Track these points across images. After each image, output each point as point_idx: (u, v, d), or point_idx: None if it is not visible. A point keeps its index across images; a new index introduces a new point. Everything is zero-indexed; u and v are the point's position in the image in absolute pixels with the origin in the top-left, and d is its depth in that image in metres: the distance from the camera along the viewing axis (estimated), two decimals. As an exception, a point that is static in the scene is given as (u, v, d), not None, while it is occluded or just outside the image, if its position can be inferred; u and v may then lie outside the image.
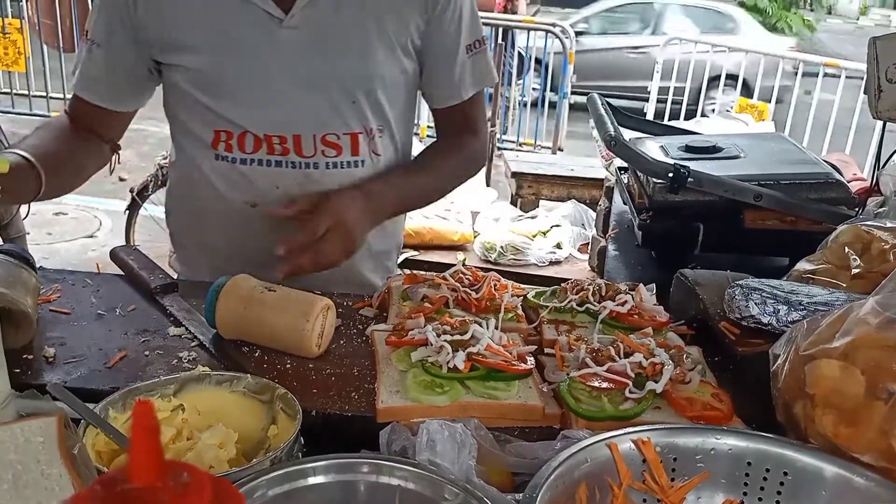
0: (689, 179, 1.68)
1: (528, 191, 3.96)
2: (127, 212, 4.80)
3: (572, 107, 7.40)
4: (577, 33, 9.01)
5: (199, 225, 1.71)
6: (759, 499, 0.95)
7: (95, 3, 1.60)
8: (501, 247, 3.37)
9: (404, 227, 1.97)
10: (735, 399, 1.15)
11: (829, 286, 1.34)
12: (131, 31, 1.54)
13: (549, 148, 7.40)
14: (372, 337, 1.29)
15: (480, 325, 1.20)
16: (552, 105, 7.54)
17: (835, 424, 0.95)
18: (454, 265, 1.48)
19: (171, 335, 1.32)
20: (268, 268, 1.42)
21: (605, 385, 1.12)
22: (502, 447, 1.02)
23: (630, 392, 1.11)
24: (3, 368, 0.95)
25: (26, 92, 7.25)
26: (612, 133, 1.78)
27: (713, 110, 7.91)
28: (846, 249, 1.38)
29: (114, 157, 1.73)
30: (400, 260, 3.62)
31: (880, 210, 1.42)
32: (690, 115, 7.19)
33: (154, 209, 5.15)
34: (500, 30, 7.40)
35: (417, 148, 1.80)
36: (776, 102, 6.64)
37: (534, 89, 7.91)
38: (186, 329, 1.33)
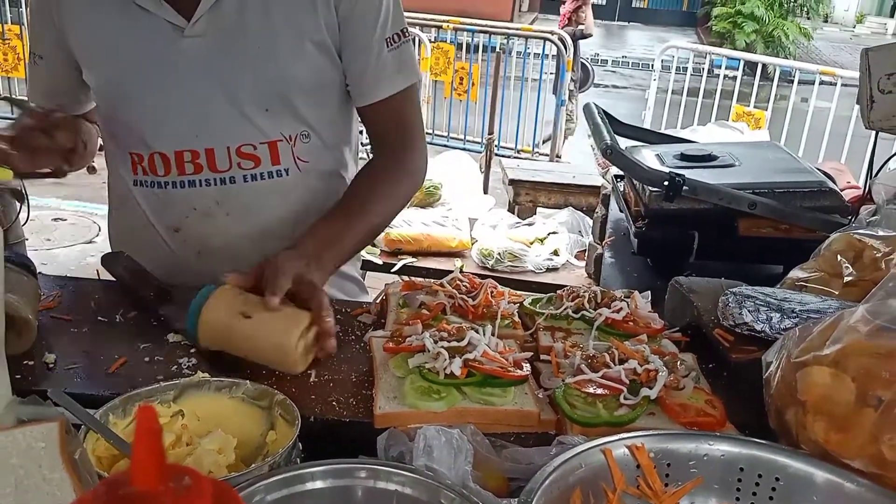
0: (685, 188, 1.69)
1: (526, 198, 3.98)
2: (125, 218, 4.80)
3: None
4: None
5: (133, 250, 1.58)
6: (752, 504, 0.96)
7: (30, 17, 1.60)
8: (499, 254, 3.38)
9: None
10: (729, 405, 1.16)
11: (822, 294, 1.36)
12: (61, 45, 1.51)
13: (546, 155, 7.42)
14: (370, 343, 1.31)
15: (477, 331, 1.21)
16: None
17: (826, 431, 0.96)
18: (452, 272, 1.49)
19: (171, 342, 1.33)
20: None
21: (600, 391, 1.14)
22: (498, 453, 1.03)
23: (625, 398, 1.12)
24: (5, 374, 0.97)
25: (25, 98, 7.25)
26: (609, 142, 1.80)
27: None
28: (838, 258, 1.39)
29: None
30: (398, 266, 3.65)
31: (873, 218, 1.44)
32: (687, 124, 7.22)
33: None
34: (561, 41, 7.40)
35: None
36: (772, 110, 6.67)
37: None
38: (184, 336, 1.34)
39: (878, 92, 1.34)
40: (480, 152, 6.24)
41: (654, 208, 1.79)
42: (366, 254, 3.55)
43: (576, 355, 1.21)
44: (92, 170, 7.43)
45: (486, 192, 4.88)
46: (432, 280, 1.47)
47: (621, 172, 2.21)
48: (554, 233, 3.38)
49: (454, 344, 1.17)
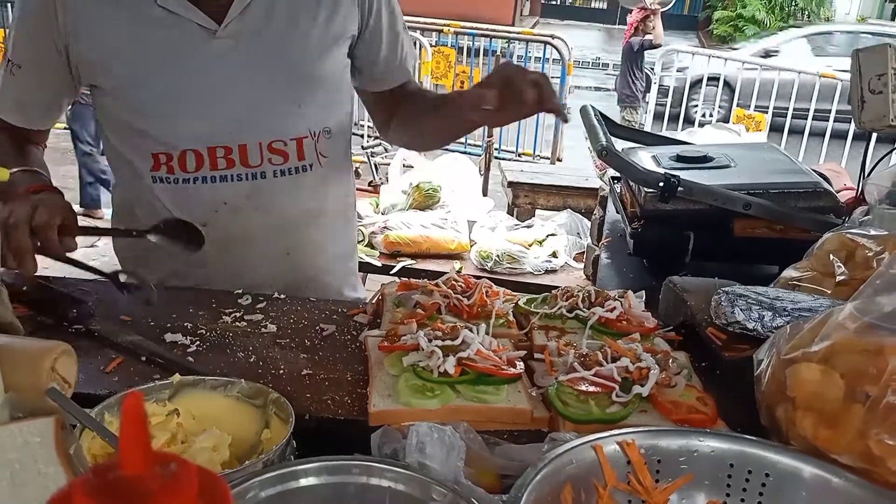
0: (680, 189, 1.70)
1: (525, 200, 4.00)
2: (126, 222, 4.82)
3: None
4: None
5: (148, 250, 1.55)
6: (742, 500, 0.97)
7: (14, 24, 1.54)
8: (498, 255, 3.39)
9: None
10: (721, 403, 1.17)
11: (815, 293, 1.37)
12: (61, 54, 1.49)
13: (548, 158, 7.43)
14: (365, 343, 1.32)
15: (471, 330, 1.22)
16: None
17: (815, 427, 0.97)
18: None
19: (168, 341, 1.34)
20: (220, 286, 1.50)
21: (592, 389, 1.14)
22: (491, 450, 1.04)
23: (617, 396, 1.13)
24: None
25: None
26: (604, 143, 1.81)
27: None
28: (831, 257, 1.40)
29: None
30: (396, 269, 3.66)
31: (865, 218, 1.44)
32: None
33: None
34: (563, 43, 7.39)
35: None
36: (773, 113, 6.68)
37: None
38: (182, 335, 1.36)
39: (868, 92, 1.34)
40: (480, 155, 6.25)
41: (650, 209, 1.79)
42: (364, 255, 3.56)
43: (569, 354, 1.22)
44: (93, 174, 7.45)
45: (485, 194, 4.88)
46: (427, 281, 1.48)
47: (618, 174, 2.21)
48: (553, 235, 3.39)
49: (448, 343, 1.18)
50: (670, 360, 1.22)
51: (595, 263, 2.35)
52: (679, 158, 1.93)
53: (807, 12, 18.46)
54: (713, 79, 8.19)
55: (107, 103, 1.56)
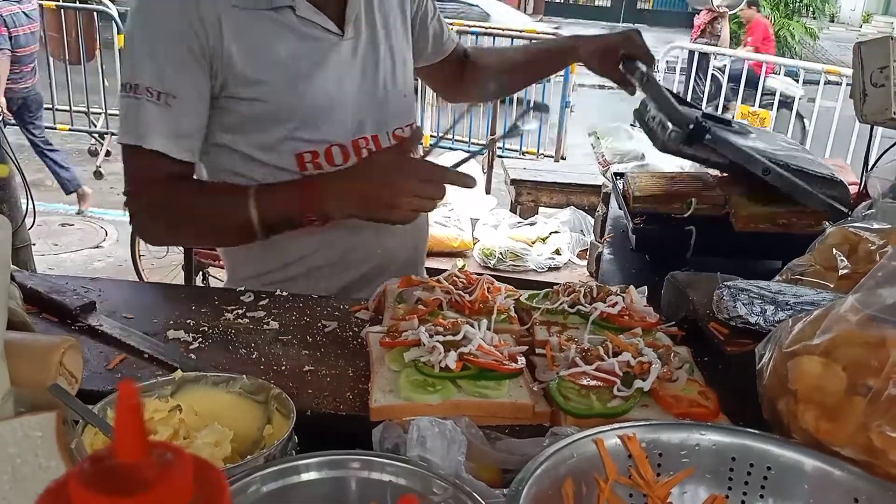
0: (707, 136, 1.65)
1: (528, 198, 3.99)
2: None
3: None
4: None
5: (282, 244, 1.62)
6: (744, 493, 0.97)
7: (148, 53, 1.46)
8: (501, 253, 3.39)
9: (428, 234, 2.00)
10: (724, 398, 1.16)
11: (817, 287, 1.36)
12: (208, 73, 1.50)
13: (552, 157, 7.43)
14: (367, 338, 1.32)
15: (472, 326, 1.22)
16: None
17: (816, 419, 0.97)
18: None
19: (171, 338, 1.35)
20: (347, 270, 1.66)
21: (593, 383, 1.14)
22: (493, 444, 1.04)
23: (618, 390, 1.13)
24: (4, 367, 0.98)
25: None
26: (644, 70, 1.74)
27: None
28: (834, 251, 1.40)
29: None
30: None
31: (868, 212, 1.44)
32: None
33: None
34: None
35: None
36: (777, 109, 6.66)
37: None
38: (184, 332, 1.36)
39: (870, 86, 1.34)
40: (483, 154, 6.25)
41: (671, 148, 1.73)
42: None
43: (570, 349, 1.22)
44: (99, 175, 7.49)
45: (488, 192, 4.89)
46: (429, 277, 1.49)
47: (620, 171, 2.21)
48: (556, 232, 3.38)
49: (449, 338, 1.18)
50: (672, 355, 1.21)
51: (599, 260, 2.35)
52: (705, 116, 1.88)
53: (811, 9, 18.40)
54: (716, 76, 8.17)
55: (246, 111, 1.55)
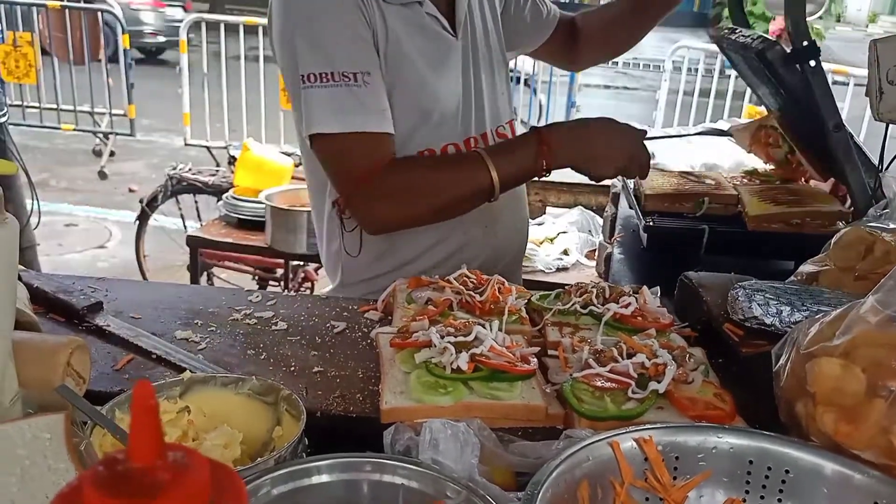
0: (812, 64, 1.58)
1: (535, 198, 3.96)
2: (137, 222, 4.85)
3: (580, 116, 7.41)
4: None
5: (405, 242, 1.69)
6: (762, 497, 0.95)
7: (332, 38, 1.48)
8: (508, 254, 3.36)
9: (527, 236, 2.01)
10: (739, 400, 1.15)
11: (833, 288, 1.35)
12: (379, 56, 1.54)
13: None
14: (377, 339, 1.30)
15: (484, 326, 1.21)
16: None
17: (835, 422, 0.95)
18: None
19: (179, 338, 1.33)
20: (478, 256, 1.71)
21: (607, 385, 1.13)
22: (506, 447, 1.02)
23: (633, 392, 1.11)
24: (13, 368, 0.97)
25: (37, 104, 7.32)
26: None
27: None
28: (849, 251, 1.38)
29: None
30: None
31: (884, 212, 1.42)
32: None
33: (163, 220, 5.20)
34: None
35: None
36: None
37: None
38: (192, 332, 1.35)
39: (886, 83, 1.32)
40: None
41: (763, 62, 1.69)
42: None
43: (584, 350, 1.21)
44: (103, 175, 7.50)
45: (495, 193, 4.85)
46: (438, 276, 1.47)
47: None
48: (564, 232, 3.35)
49: (461, 339, 1.17)
50: (687, 356, 1.20)
51: (607, 261, 2.33)
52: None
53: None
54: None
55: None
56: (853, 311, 1.00)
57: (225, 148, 6.13)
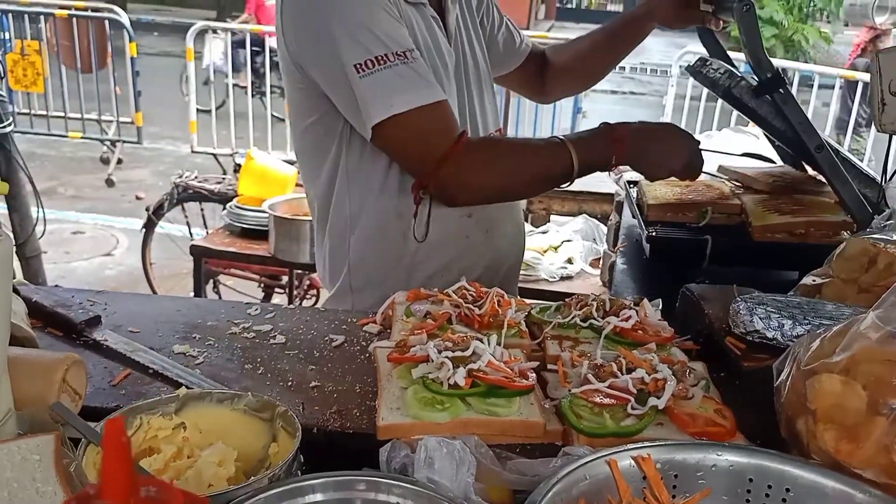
0: (781, 91, 1.60)
1: (539, 206, 3.95)
2: (143, 230, 4.85)
3: (586, 121, 7.40)
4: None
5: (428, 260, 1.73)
6: (762, 515, 0.94)
7: (377, 23, 1.50)
8: (513, 262, 3.34)
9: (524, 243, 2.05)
10: (741, 415, 1.13)
11: (836, 300, 1.33)
12: None
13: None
14: (374, 354, 1.30)
15: (482, 341, 1.20)
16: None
17: (836, 440, 0.94)
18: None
19: (176, 352, 1.33)
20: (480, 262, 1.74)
21: (606, 401, 1.12)
22: (503, 464, 1.01)
23: (632, 408, 1.10)
24: (7, 387, 0.97)
25: (45, 112, 7.36)
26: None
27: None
28: (853, 263, 1.37)
29: None
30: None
31: (888, 223, 1.41)
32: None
33: (169, 227, 5.21)
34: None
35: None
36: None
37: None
38: (190, 346, 1.34)
39: (889, 94, 1.31)
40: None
41: (734, 95, 1.71)
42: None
43: (583, 365, 1.19)
44: (110, 183, 7.53)
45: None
46: (437, 289, 1.46)
47: (635, 178, 2.17)
48: (568, 241, 3.34)
49: (458, 354, 1.16)
50: (687, 371, 1.18)
51: (612, 269, 2.32)
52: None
53: (826, 13, 18.29)
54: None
55: None
56: (854, 328, 0.98)
57: (231, 155, 6.15)
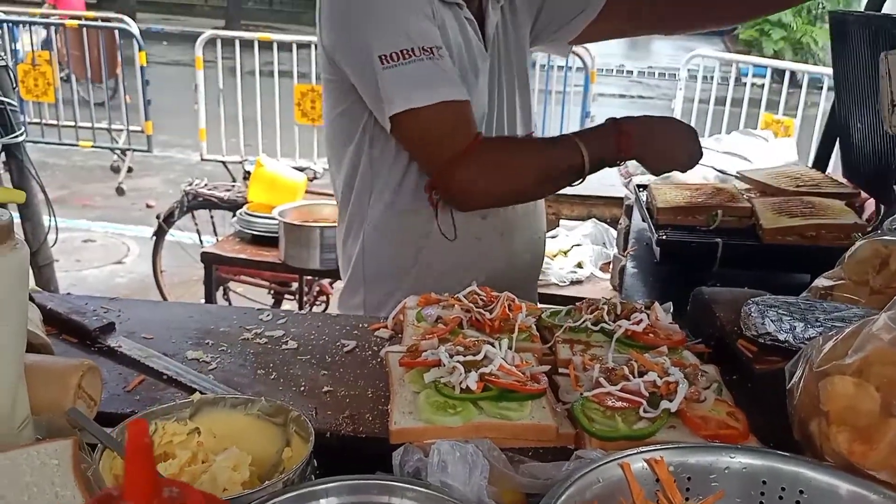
0: None
1: (549, 210, 3.94)
2: (153, 238, 4.88)
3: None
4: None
5: (430, 251, 1.74)
6: (775, 518, 0.94)
7: (405, 17, 1.52)
8: (522, 267, 3.34)
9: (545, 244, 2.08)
10: (753, 418, 1.13)
11: (848, 302, 1.33)
12: None
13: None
14: (386, 358, 1.30)
15: (493, 345, 1.20)
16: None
17: (849, 442, 0.94)
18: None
19: (189, 358, 1.34)
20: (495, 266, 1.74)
21: (619, 404, 1.12)
22: (515, 468, 1.02)
23: (644, 411, 1.10)
24: (25, 393, 0.97)
25: (55, 122, 7.41)
26: None
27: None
28: (864, 265, 1.37)
29: None
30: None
31: (898, 225, 1.41)
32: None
33: (180, 235, 5.23)
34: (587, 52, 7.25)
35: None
36: (802, 118, 6.59)
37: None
38: (203, 352, 1.35)
39: (899, 95, 1.31)
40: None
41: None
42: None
43: (594, 368, 1.20)
44: (121, 191, 7.57)
45: (510, 205, 4.84)
46: (448, 294, 1.47)
47: (644, 182, 2.18)
48: (578, 245, 3.34)
49: (470, 358, 1.16)
50: (699, 374, 1.19)
51: (621, 273, 2.32)
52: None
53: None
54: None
55: None
56: (866, 329, 0.98)
57: (240, 163, 6.18)
